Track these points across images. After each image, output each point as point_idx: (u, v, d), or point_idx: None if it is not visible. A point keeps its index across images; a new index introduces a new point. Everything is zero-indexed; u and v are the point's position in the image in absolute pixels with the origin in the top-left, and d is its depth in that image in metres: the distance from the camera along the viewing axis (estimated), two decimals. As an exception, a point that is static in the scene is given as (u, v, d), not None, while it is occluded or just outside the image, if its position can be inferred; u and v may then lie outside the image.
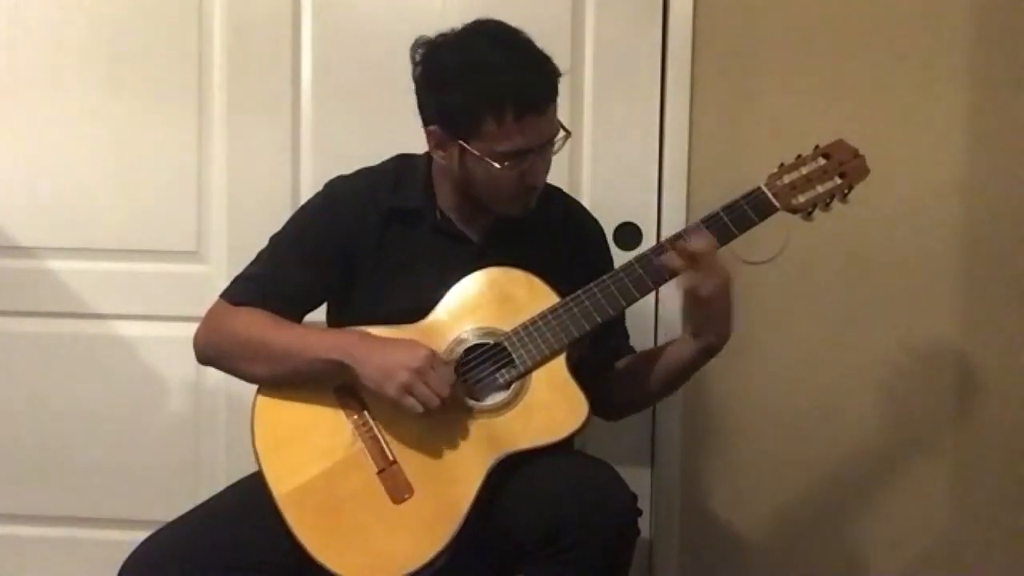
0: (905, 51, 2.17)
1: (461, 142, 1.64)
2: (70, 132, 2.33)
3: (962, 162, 2.18)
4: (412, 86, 1.69)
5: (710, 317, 1.64)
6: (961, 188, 2.18)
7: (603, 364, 1.82)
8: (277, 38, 2.28)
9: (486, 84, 1.60)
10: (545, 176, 1.71)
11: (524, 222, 1.74)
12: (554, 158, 1.72)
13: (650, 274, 1.66)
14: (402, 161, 1.83)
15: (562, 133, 1.68)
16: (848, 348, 2.22)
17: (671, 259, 1.63)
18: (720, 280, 1.62)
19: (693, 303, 1.63)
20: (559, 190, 1.91)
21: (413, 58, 1.68)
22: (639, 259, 1.67)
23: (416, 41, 1.68)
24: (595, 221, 1.92)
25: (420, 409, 1.59)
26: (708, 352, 1.68)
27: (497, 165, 1.63)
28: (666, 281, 1.66)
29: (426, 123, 1.69)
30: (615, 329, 1.84)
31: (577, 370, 1.68)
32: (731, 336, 1.66)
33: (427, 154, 1.76)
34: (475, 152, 1.63)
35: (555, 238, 1.80)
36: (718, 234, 1.64)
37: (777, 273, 2.15)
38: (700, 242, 1.61)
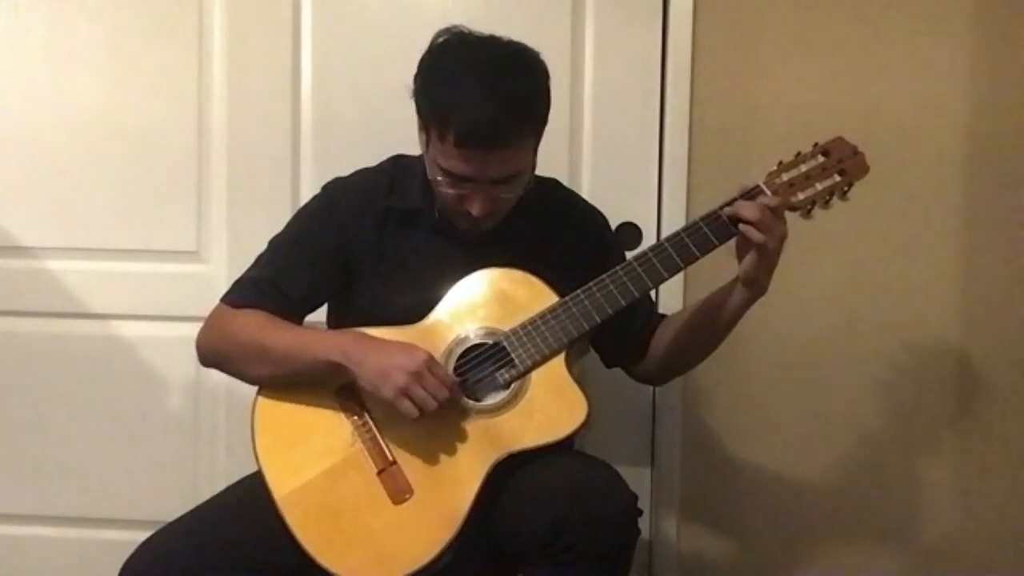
0: (907, 48, 2.17)
1: (424, 134, 1.67)
2: (70, 131, 2.33)
3: (964, 159, 2.18)
4: (412, 86, 1.69)
5: (767, 267, 1.63)
6: (963, 184, 2.18)
7: (642, 340, 1.83)
8: (277, 36, 2.28)
9: (441, 98, 1.60)
10: (487, 211, 1.66)
11: (521, 218, 1.73)
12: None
13: (651, 271, 1.65)
14: (399, 162, 1.83)
15: (524, 177, 1.66)
16: (848, 347, 2.22)
17: (742, 208, 1.61)
18: (783, 232, 1.62)
19: (753, 250, 1.62)
20: (556, 182, 1.89)
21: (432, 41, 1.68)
22: (638, 258, 1.66)
23: (443, 29, 1.68)
24: (593, 210, 1.90)
25: (416, 413, 1.59)
26: (752, 299, 1.67)
27: (438, 175, 1.64)
28: (726, 240, 1.64)
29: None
30: (643, 306, 1.82)
31: (612, 353, 1.78)
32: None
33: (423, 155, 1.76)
34: (429, 150, 1.66)
35: (553, 232, 1.80)
36: (716, 233, 1.63)
37: (775, 272, 2.15)
38: (772, 198, 1.62)
